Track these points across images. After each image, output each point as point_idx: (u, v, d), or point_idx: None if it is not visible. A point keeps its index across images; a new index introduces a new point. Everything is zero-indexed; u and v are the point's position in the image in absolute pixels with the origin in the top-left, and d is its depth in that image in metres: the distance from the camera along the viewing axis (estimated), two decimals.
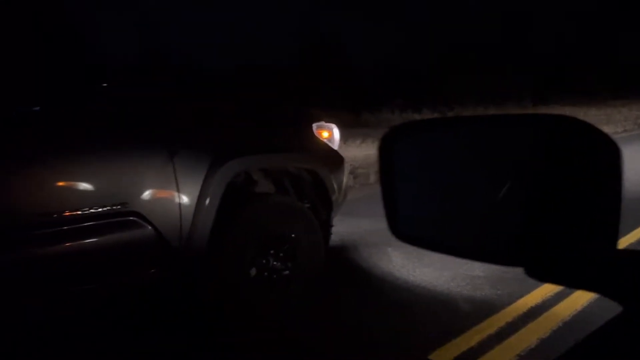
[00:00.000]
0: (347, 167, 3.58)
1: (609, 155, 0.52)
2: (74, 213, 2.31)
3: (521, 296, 3.09)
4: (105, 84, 2.53)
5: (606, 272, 0.54)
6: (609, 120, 16.57)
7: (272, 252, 2.94)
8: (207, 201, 2.59)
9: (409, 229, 0.69)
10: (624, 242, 3.61)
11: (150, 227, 2.45)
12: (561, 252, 0.54)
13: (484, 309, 2.99)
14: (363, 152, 10.67)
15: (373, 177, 7.90)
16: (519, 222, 0.56)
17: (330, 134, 3.37)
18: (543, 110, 20.43)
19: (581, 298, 2.95)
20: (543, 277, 0.56)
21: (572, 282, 0.55)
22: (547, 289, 3.12)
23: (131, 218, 2.42)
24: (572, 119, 0.53)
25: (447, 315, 2.99)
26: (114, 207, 2.37)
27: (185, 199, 2.55)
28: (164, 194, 2.51)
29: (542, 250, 0.55)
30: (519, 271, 0.58)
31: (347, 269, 3.86)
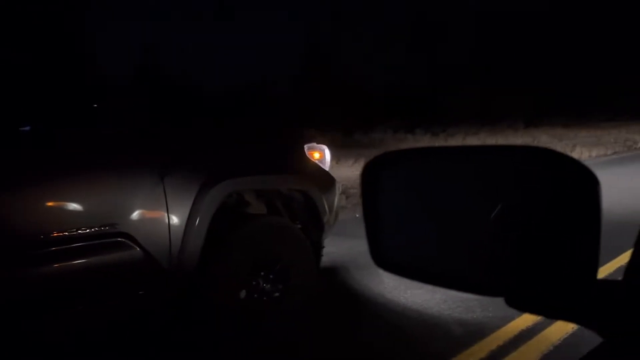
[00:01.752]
0: (338, 188, 3.58)
1: (587, 187, 0.53)
2: (62, 234, 2.29)
3: (513, 319, 3.08)
4: (95, 105, 2.53)
5: (585, 303, 0.54)
6: (599, 142, 16.74)
7: (262, 273, 2.92)
8: (197, 222, 2.58)
9: (391, 257, 0.69)
10: (603, 271, 3.61)
11: (138, 249, 2.43)
12: (540, 283, 0.54)
13: (476, 331, 2.97)
14: (355, 173, 10.68)
15: None
16: (498, 253, 0.57)
17: (321, 155, 3.38)
18: (535, 132, 20.63)
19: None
20: (523, 307, 0.56)
21: (552, 313, 0.55)
22: None
23: (119, 239, 2.40)
24: (551, 151, 0.54)
25: (439, 338, 2.97)
26: (103, 228, 2.36)
27: (175, 220, 2.54)
28: (153, 215, 2.49)
29: (521, 280, 0.55)
30: None
31: (338, 291, 3.84)
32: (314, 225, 3.31)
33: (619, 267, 3.79)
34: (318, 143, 3.41)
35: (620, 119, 26.87)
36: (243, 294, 2.83)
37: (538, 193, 0.55)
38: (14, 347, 2.32)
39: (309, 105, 26.18)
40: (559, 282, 0.54)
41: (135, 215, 2.44)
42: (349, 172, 10.59)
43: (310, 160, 3.29)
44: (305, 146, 3.28)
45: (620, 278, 0.56)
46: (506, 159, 0.61)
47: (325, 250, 3.51)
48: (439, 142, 16.90)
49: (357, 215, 6.56)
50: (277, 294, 2.96)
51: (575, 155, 13.14)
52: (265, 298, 2.92)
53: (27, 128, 2.66)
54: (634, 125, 23.03)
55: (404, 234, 0.70)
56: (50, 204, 2.35)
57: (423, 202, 0.68)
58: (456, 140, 17.53)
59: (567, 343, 2.76)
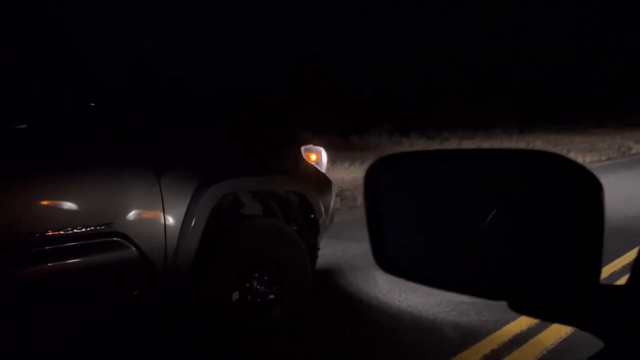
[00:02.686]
0: (334, 190, 3.58)
1: (592, 192, 0.53)
2: (57, 233, 2.27)
3: (506, 323, 3.09)
4: (92, 104, 2.51)
5: (589, 307, 0.54)
6: (593, 148, 16.84)
7: (256, 275, 2.91)
8: (193, 223, 2.57)
9: (394, 260, 0.69)
10: (606, 270, 3.63)
11: (134, 248, 2.42)
12: (544, 287, 0.54)
13: (470, 335, 2.98)
14: (351, 175, 10.70)
15: (360, 200, 7.91)
16: (503, 256, 0.57)
17: (318, 156, 3.38)
18: (529, 137, 20.71)
19: (565, 326, 2.94)
20: (526, 311, 0.56)
21: (556, 317, 0.55)
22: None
23: (115, 239, 2.38)
24: (559, 157, 0.54)
25: (432, 342, 2.97)
26: (98, 228, 2.34)
27: (170, 220, 2.53)
28: (149, 214, 2.48)
29: (525, 284, 0.55)
30: None
31: (333, 293, 3.83)
32: (310, 227, 3.30)
33: (613, 272, 3.81)
34: (315, 145, 3.40)
35: (612, 125, 27.09)
36: (236, 295, 2.81)
37: (542, 196, 0.55)
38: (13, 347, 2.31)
39: (306, 108, 26.18)
40: (562, 286, 0.54)
41: (132, 215, 2.42)
42: (345, 175, 10.61)
43: (306, 161, 3.28)
44: (302, 148, 3.28)
45: (618, 282, 0.56)
46: (511, 162, 0.61)
47: (320, 252, 3.51)
48: (434, 146, 16.93)
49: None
50: (271, 296, 2.95)
51: None
52: (259, 300, 2.91)
53: (23, 126, 2.65)
54: (626, 132, 23.23)
55: (408, 238, 0.70)
56: (45, 202, 2.33)
57: (426, 205, 0.68)
58: (451, 145, 17.58)
59: (560, 347, 2.77)
